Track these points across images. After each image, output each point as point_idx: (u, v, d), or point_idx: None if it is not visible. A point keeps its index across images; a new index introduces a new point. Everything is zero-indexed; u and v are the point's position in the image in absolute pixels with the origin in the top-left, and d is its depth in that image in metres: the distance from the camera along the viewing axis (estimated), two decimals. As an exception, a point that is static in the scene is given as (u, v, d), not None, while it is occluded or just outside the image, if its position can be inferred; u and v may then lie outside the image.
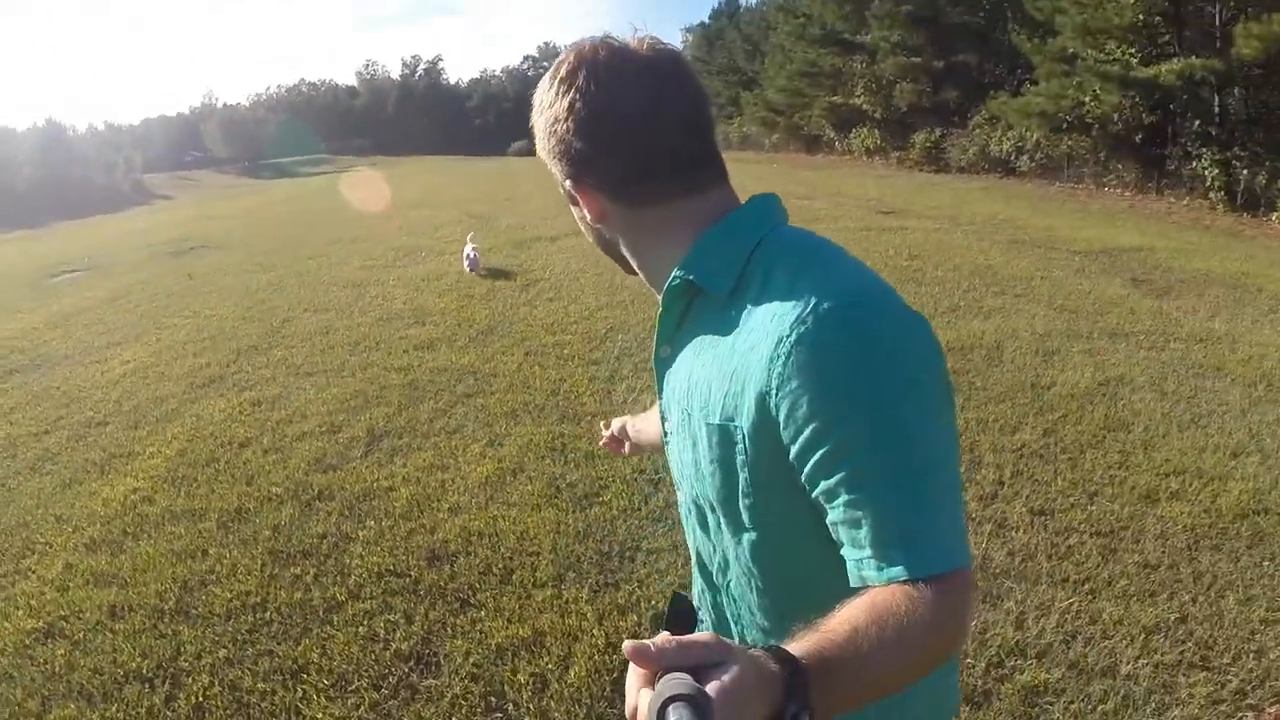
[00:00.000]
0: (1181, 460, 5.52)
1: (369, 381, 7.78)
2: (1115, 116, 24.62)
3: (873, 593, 1.08)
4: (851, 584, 1.13)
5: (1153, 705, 3.41)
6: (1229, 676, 3.57)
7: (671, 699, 0.83)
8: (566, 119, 1.34)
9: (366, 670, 3.78)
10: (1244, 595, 4.09)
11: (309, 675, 3.76)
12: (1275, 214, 19.36)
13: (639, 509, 5.13)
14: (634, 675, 0.93)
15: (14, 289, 16.42)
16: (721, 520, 1.39)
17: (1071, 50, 25.45)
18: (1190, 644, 3.76)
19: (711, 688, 0.86)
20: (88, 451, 6.76)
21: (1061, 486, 5.16)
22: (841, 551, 1.15)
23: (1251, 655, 3.68)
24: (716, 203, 1.37)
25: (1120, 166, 25.32)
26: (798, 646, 0.99)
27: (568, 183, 1.39)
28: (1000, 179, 28.50)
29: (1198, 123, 23.44)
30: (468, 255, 12.47)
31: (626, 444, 2.29)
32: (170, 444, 6.70)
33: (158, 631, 4.18)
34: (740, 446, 1.24)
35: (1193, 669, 3.61)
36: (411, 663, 3.83)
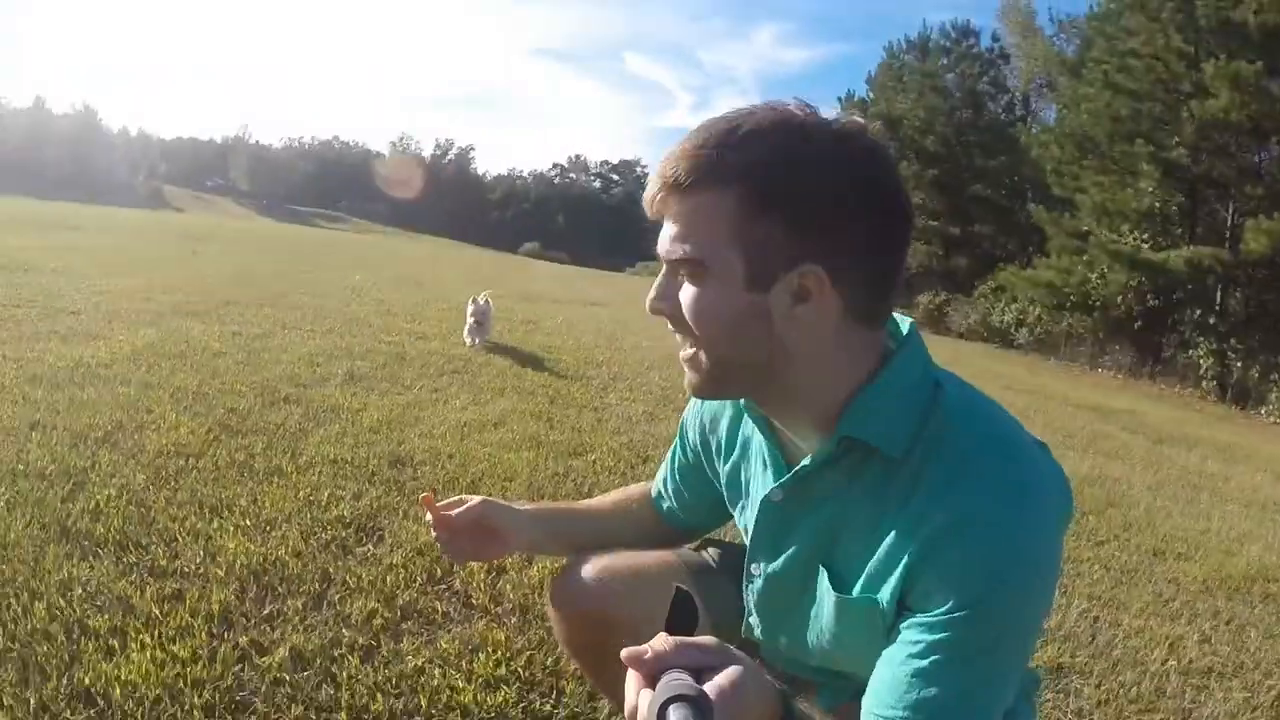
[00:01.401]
0: (1186, 534, 5.22)
1: (356, 343, 7.15)
2: (1119, 299, 24.81)
3: None
4: None
5: (1188, 698, 2.98)
6: (1265, 687, 3.18)
7: (672, 699, 0.83)
8: (838, 180, 1.12)
9: (299, 523, 3.15)
10: (1266, 633, 3.74)
11: (230, 514, 3.13)
12: (1264, 407, 19.51)
13: (624, 471, 4.53)
14: (633, 676, 0.91)
15: (19, 228, 15.87)
16: (822, 665, 1.41)
17: (1086, 229, 25.85)
18: (1217, 657, 3.37)
19: (711, 688, 0.87)
20: (54, 325, 6.19)
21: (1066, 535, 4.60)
22: (869, 701, 1.15)
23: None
24: (872, 342, 1.24)
25: (1117, 348, 25.33)
26: None
27: (803, 265, 1.13)
28: (998, 348, 28.40)
29: (1199, 313, 23.62)
30: (475, 306, 7.82)
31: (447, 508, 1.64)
32: (140, 337, 6.10)
33: (77, 451, 3.56)
34: (879, 610, 1.19)
35: (1224, 677, 3.21)
36: (352, 529, 3.20)
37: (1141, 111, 24.73)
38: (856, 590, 1.23)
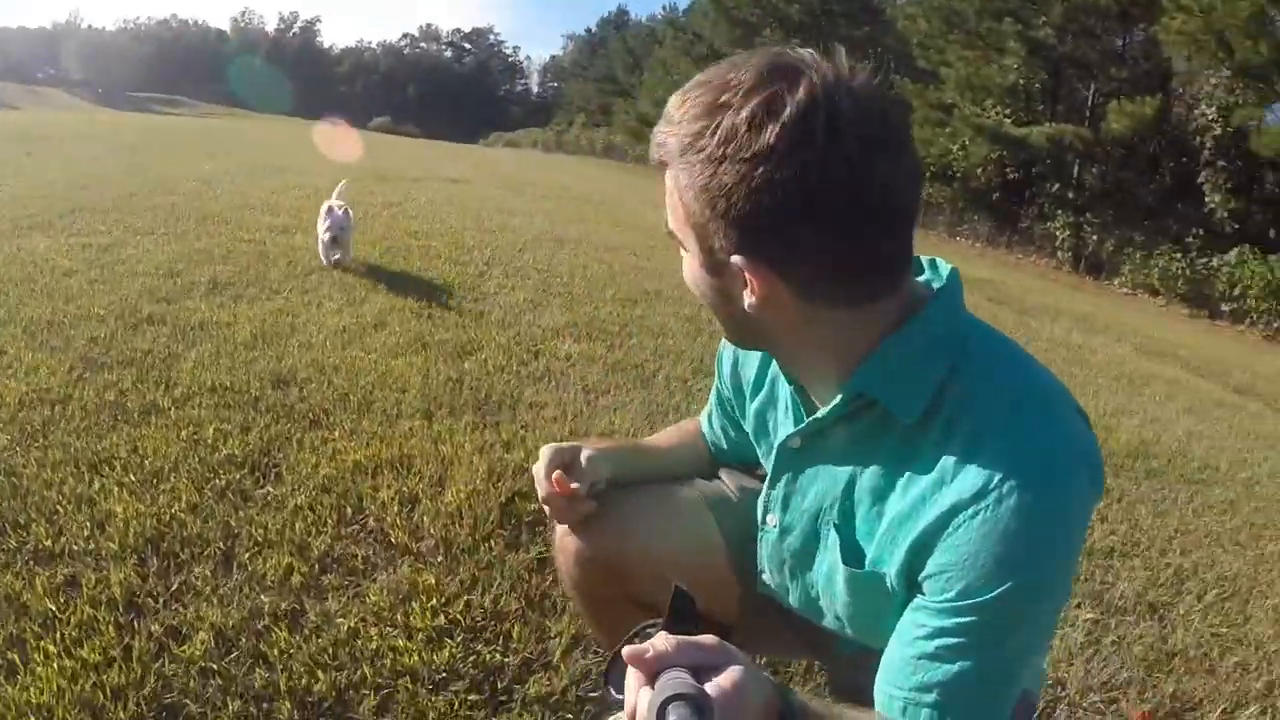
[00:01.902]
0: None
1: (215, 245, 6.64)
2: (980, 171, 25.46)
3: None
4: (876, 705, 1.15)
5: (1098, 579, 3.10)
6: (1163, 564, 3.34)
7: (672, 697, 0.82)
8: (774, 176, 1.02)
9: (187, 470, 2.89)
10: (1155, 510, 3.89)
11: (111, 469, 2.85)
12: (1117, 279, 20.51)
13: (518, 370, 4.36)
14: (632, 674, 0.90)
15: None
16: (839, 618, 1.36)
17: (950, 101, 26.28)
18: (1115, 536, 3.47)
19: (711, 688, 0.86)
20: None
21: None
22: (880, 676, 1.14)
23: (1177, 552, 3.50)
24: (902, 301, 1.16)
25: (975, 218, 26.05)
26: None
27: (735, 257, 1.10)
28: None
29: (1056, 186, 24.44)
30: (332, 218, 6.02)
31: (583, 487, 1.52)
32: (-25, 263, 5.53)
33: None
34: (886, 587, 1.18)
35: (1126, 556, 3.33)
36: (246, 469, 2.96)
37: None
38: (868, 563, 1.21)
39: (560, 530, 1.63)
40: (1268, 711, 2.51)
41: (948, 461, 1.10)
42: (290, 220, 8.03)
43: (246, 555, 2.44)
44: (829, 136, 1.01)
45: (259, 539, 2.53)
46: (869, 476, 1.20)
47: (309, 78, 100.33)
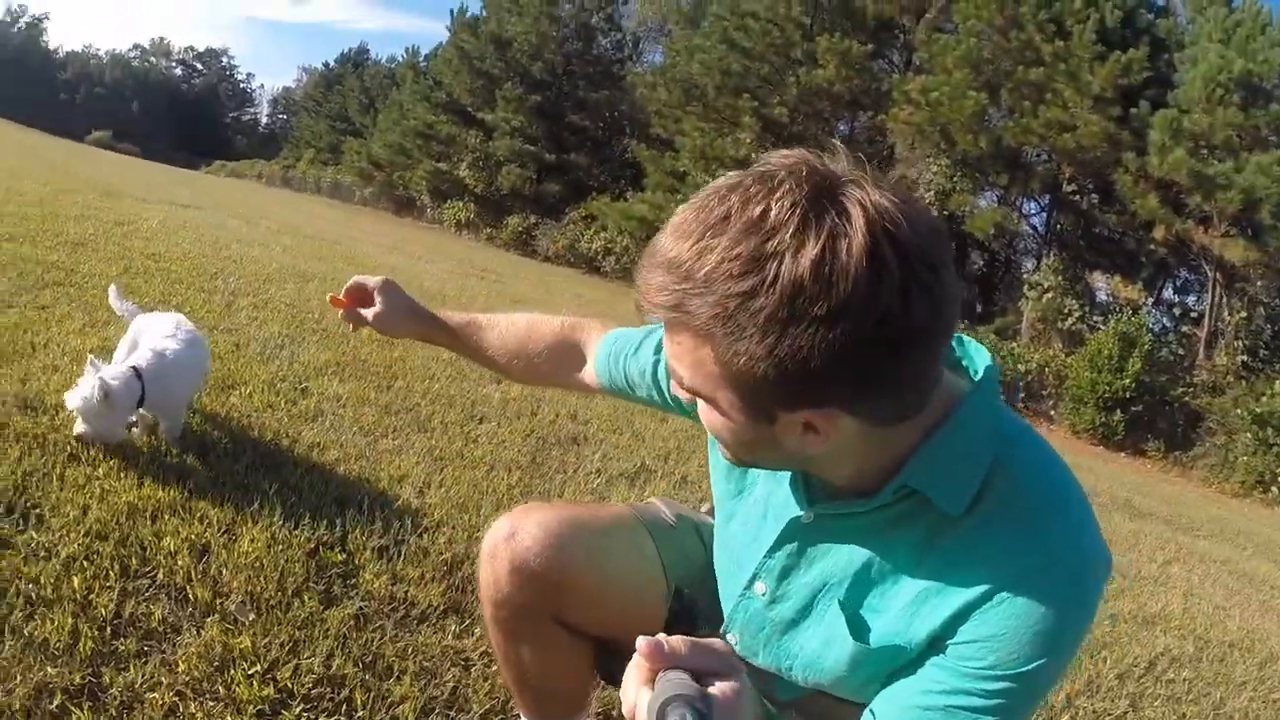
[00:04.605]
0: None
1: (-78, 250, 5.83)
2: None
3: None
4: None
5: None
6: None
7: (673, 698, 0.81)
8: (858, 330, 0.92)
9: (-74, 509, 2.41)
10: None
11: None
12: None
13: (288, 408, 4.02)
14: (633, 673, 0.89)
15: None
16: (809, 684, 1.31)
17: (684, 169, 27.35)
18: None
19: (716, 691, 0.85)
20: None
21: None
22: (880, 709, 1.14)
23: None
24: (941, 396, 1.11)
25: None
26: None
27: (801, 412, 1.02)
28: (584, 273, 29.67)
29: None
30: (111, 381, 2.86)
31: (375, 309, 1.85)
32: None
33: None
34: (894, 658, 1.16)
35: None
36: (2, 510, 2.49)
37: (751, 69, 27.25)
38: (874, 639, 1.18)
39: (494, 538, 1.53)
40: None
41: (992, 545, 1.10)
42: (14, 228, 7.09)
43: (20, 616, 2.02)
44: (903, 268, 0.92)
45: (31, 596, 2.10)
46: (893, 557, 1.17)
47: (26, 79, 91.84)
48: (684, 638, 0.90)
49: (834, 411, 1.01)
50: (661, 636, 0.89)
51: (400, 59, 57.46)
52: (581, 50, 39.90)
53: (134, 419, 3.14)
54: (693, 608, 0.97)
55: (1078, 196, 24.15)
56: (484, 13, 41.86)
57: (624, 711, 0.89)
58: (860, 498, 1.17)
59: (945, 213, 23.31)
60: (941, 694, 1.10)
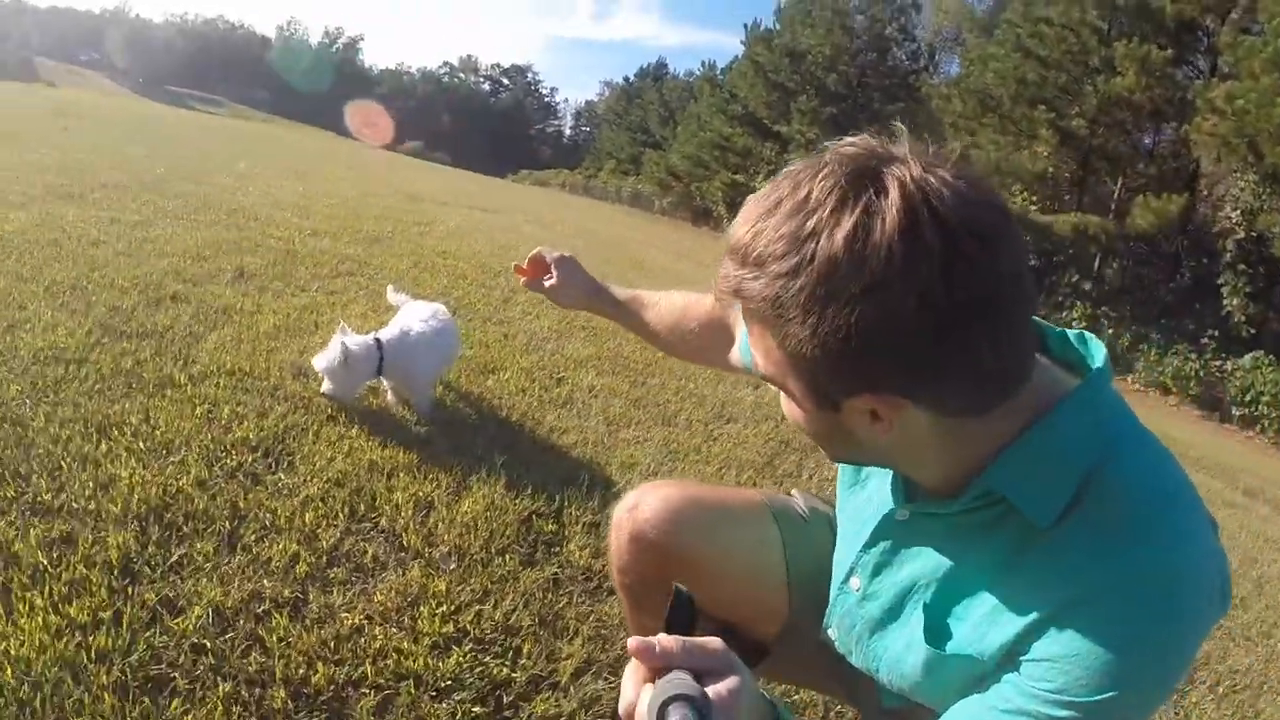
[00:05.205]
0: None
1: (244, 237, 6.52)
2: None
3: None
4: None
5: None
6: None
7: (674, 697, 0.81)
8: (894, 305, 0.89)
9: (198, 446, 2.75)
10: None
11: (121, 434, 2.71)
12: (1130, 375, 20.53)
13: (540, 394, 4.23)
14: (633, 670, 0.88)
15: None
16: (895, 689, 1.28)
17: None
18: None
19: (713, 692, 0.84)
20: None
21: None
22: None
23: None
24: (1037, 392, 1.05)
25: None
26: None
27: (859, 397, 0.99)
28: None
29: (1076, 277, 24.43)
30: (350, 347, 3.20)
31: (551, 280, 1.97)
32: (9, 221, 5.39)
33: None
34: (967, 668, 1.10)
35: None
36: (259, 454, 2.82)
37: (1048, 79, 25.86)
38: (950, 647, 1.13)
39: (620, 509, 1.58)
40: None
41: (1076, 556, 1.01)
42: (321, 224, 7.91)
43: (252, 538, 2.30)
44: (942, 238, 0.89)
45: (266, 523, 2.39)
46: (979, 564, 1.11)
47: (346, 95, 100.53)
48: (678, 638, 0.89)
49: (895, 399, 0.98)
50: (654, 636, 0.89)
51: (697, 73, 58.80)
52: (876, 61, 39.45)
53: (384, 387, 3.48)
54: (692, 608, 0.93)
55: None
56: (777, 25, 42.17)
57: (622, 710, 0.88)
58: (948, 499, 1.13)
59: (1254, 234, 21.37)
60: (1005, 713, 1.02)
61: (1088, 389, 1.07)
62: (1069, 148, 25.61)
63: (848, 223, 0.89)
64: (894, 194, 0.89)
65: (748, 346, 1.61)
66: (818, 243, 0.91)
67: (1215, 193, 25.19)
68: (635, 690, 0.87)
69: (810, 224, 0.91)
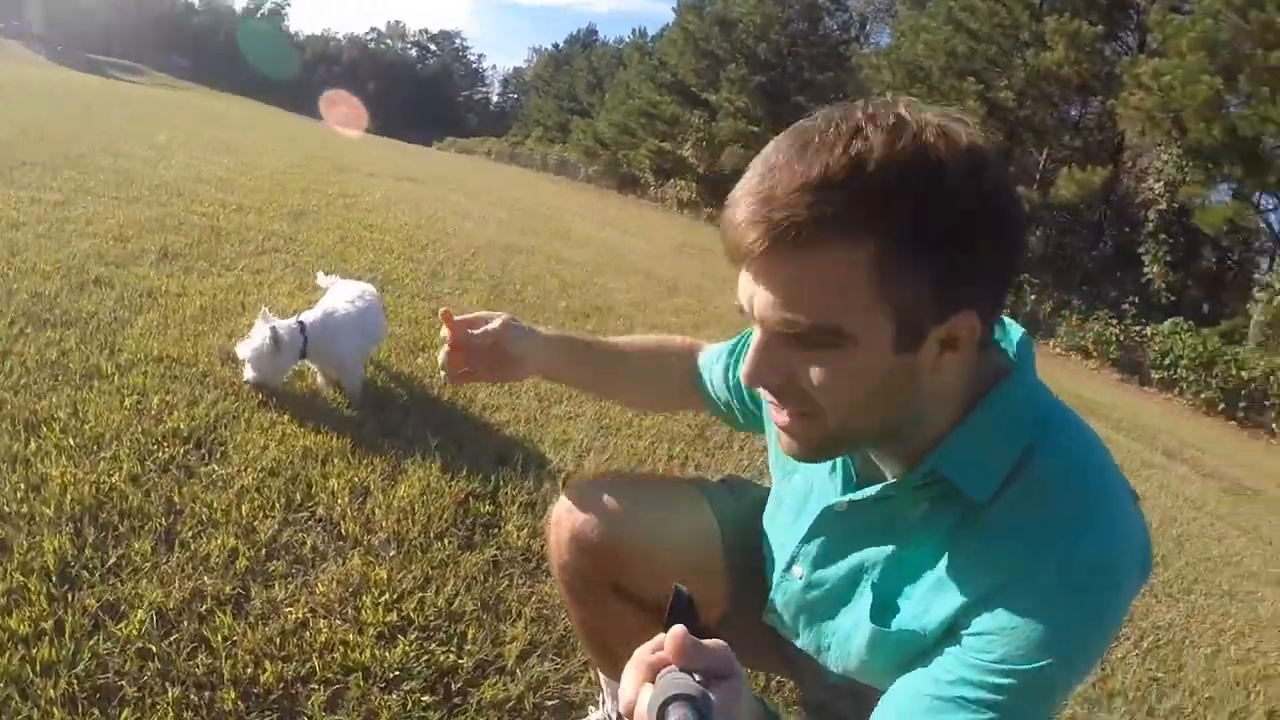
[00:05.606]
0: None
1: (167, 214, 6.38)
2: None
3: None
4: None
5: None
6: None
7: (674, 697, 0.80)
8: (988, 217, 0.98)
9: (129, 439, 2.73)
10: None
11: (50, 430, 2.67)
12: (1052, 339, 21.10)
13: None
14: (633, 669, 0.88)
15: None
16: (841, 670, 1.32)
17: None
18: None
19: (713, 692, 0.83)
20: None
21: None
22: (889, 703, 1.12)
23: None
24: (984, 367, 1.13)
25: None
26: None
27: (951, 320, 1.02)
28: None
29: None
30: (278, 330, 3.22)
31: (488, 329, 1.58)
32: (-85, 207, 5.24)
33: None
34: (912, 644, 1.15)
35: None
36: (191, 445, 2.80)
37: (977, 51, 26.33)
38: (895, 623, 1.18)
39: (559, 508, 1.60)
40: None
41: (1011, 536, 1.07)
42: (245, 199, 7.79)
43: (189, 534, 2.30)
44: (966, 138, 0.97)
45: (203, 518, 2.39)
46: (923, 544, 1.16)
47: (270, 61, 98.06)
48: (681, 638, 0.88)
49: (970, 315, 1.01)
50: (658, 639, 0.89)
51: (627, 40, 58.47)
52: (807, 31, 39.55)
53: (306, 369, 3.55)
54: (691, 608, 0.93)
55: (1322, 192, 22.37)
56: (709, -10, 42.03)
57: (622, 709, 0.88)
58: (896, 480, 1.18)
59: (1175, 205, 22.03)
60: (950, 684, 1.06)
61: (1020, 371, 1.15)
62: (996, 119, 26.02)
63: (883, 122, 0.95)
64: (902, 110, 0.96)
65: (738, 382, 1.57)
66: (862, 143, 0.94)
67: (1139, 165, 25.82)
68: (635, 690, 0.86)
69: (856, 146, 0.94)
